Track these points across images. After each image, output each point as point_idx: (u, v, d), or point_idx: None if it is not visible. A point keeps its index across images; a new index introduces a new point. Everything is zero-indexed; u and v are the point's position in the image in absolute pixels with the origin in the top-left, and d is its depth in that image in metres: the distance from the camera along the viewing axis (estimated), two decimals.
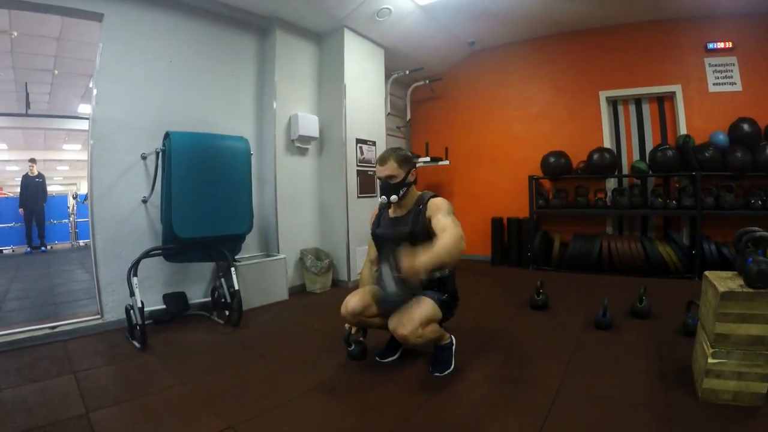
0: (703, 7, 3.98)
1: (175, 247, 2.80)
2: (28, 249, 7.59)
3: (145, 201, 3.03)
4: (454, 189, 5.59)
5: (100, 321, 2.81)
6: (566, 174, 4.56)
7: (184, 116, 3.25)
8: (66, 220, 8.67)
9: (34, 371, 2.11)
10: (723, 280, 1.65)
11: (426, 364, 2.03)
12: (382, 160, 1.98)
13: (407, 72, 5.09)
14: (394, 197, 1.96)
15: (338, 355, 2.18)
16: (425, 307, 1.86)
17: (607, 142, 4.55)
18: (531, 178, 4.64)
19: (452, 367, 1.98)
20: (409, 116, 5.66)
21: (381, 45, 4.47)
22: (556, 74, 4.87)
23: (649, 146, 4.41)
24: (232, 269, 2.89)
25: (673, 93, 4.25)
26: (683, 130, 4.17)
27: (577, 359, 2.06)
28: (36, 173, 7.52)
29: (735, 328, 1.53)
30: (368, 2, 3.69)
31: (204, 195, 2.79)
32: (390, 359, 2.15)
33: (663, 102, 4.39)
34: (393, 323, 1.83)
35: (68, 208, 8.89)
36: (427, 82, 5.41)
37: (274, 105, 3.76)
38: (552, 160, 4.55)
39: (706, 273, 1.80)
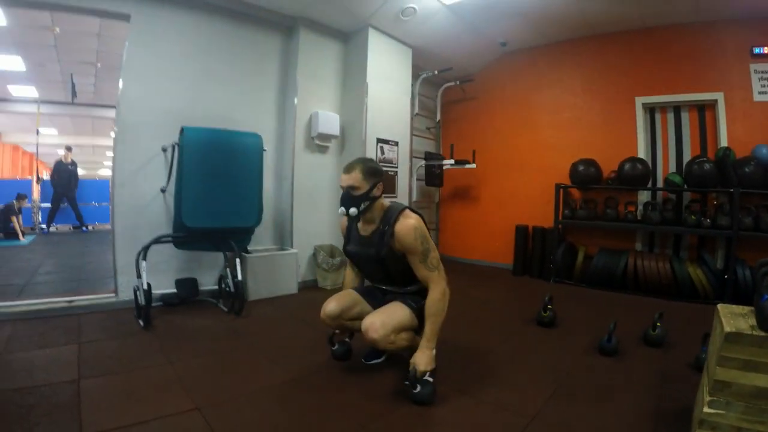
0: (748, 8, 3.60)
1: (184, 235, 2.91)
2: (43, 230, 7.72)
3: (163, 190, 3.17)
4: (481, 193, 5.46)
5: (114, 299, 2.99)
6: (595, 184, 4.30)
7: (206, 111, 3.35)
8: (107, 203, 9.24)
9: (45, 338, 2.32)
10: (734, 317, 1.43)
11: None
12: (348, 169, 1.88)
13: (436, 72, 4.99)
14: (353, 210, 1.83)
15: (325, 352, 2.20)
16: (401, 314, 1.82)
17: (642, 152, 4.26)
18: (558, 186, 4.42)
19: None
20: (439, 117, 5.55)
21: (408, 44, 4.40)
22: (590, 78, 4.61)
23: (686, 158, 4.08)
24: (237, 260, 2.97)
25: (715, 101, 3.90)
26: (724, 141, 3.82)
27: (566, 386, 1.93)
28: (70, 160, 7.73)
29: (739, 376, 1.30)
30: (392, 2, 3.64)
31: (213, 187, 2.89)
32: (375, 361, 2.14)
33: (704, 111, 4.03)
34: (365, 325, 1.79)
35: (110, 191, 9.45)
36: (458, 83, 5.28)
37: (295, 102, 3.80)
38: (581, 168, 4.30)
39: (719, 306, 1.57)
